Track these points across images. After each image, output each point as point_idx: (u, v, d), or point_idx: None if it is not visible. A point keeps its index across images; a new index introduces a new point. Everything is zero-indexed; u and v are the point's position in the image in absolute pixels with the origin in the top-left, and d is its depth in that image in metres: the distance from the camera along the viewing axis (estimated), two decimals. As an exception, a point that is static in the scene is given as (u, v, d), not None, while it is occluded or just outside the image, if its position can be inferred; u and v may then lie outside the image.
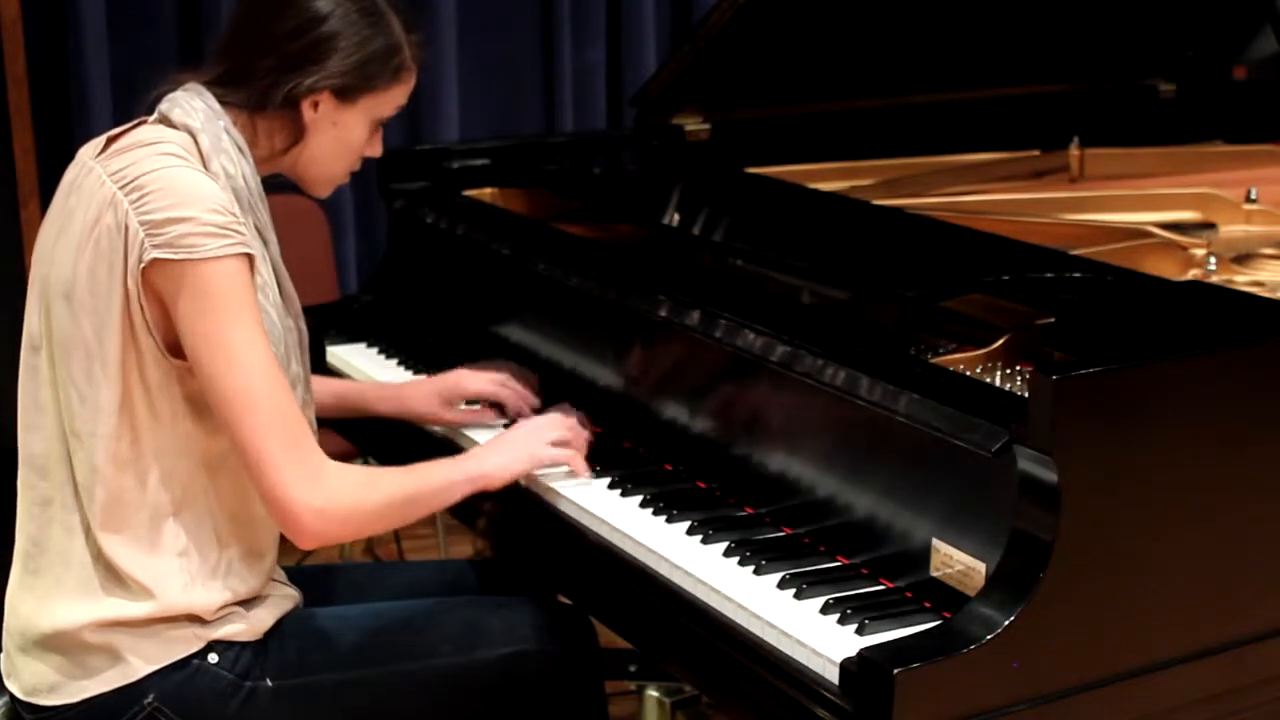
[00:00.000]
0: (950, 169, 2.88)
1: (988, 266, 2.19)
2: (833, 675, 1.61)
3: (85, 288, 1.82)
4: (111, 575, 1.85)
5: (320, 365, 2.67)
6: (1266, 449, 1.75)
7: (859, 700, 1.57)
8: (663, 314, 2.15)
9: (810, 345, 1.94)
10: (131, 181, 1.80)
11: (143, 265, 1.78)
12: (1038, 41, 3.08)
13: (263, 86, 1.91)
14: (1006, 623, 1.57)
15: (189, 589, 1.86)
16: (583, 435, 2.10)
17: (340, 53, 1.92)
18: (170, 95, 1.92)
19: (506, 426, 2.25)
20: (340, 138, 1.97)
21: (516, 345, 2.51)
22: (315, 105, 1.93)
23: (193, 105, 1.89)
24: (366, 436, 2.56)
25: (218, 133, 1.88)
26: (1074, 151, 2.98)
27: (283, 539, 1.93)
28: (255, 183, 1.93)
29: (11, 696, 1.92)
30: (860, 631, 1.67)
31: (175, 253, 1.77)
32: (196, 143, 1.86)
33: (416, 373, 2.55)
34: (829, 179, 2.79)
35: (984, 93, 3.11)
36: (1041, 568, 1.59)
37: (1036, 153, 3.00)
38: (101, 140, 1.91)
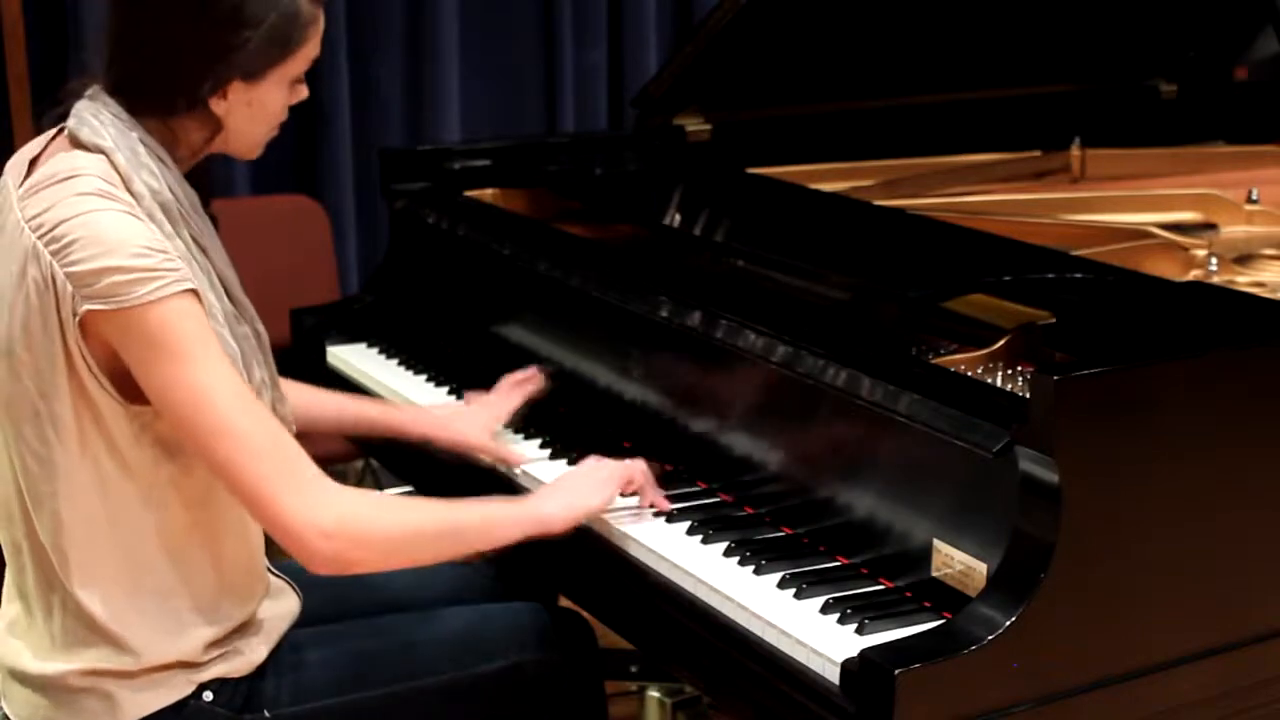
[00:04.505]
0: (951, 169, 2.88)
1: (989, 267, 2.19)
2: (833, 675, 1.61)
3: (22, 344, 1.74)
4: (95, 630, 1.80)
5: (320, 365, 2.67)
6: (1267, 450, 1.75)
7: (860, 700, 1.57)
8: (664, 314, 2.15)
9: (811, 346, 1.93)
10: (50, 232, 1.70)
11: (78, 318, 1.69)
12: (1039, 42, 3.08)
13: (166, 92, 1.78)
14: (1007, 623, 1.57)
15: (176, 635, 1.81)
16: (645, 474, 2.01)
17: (241, 38, 1.75)
18: (75, 110, 1.79)
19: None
20: (257, 113, 1.83)
21: (517, 345, 2.51)
22: (225, 95, 1.78)
23: (100, 120, 1.77)
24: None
25: (133, 146, 1.76)
26: (1075, 152, 2.98)
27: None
28: (183, 191, 1.80)
29: (6, 717, 1.91)
30: (860, 631, 1.67)
31: (108, 303, 1.67)
32: (113, 163, 1.74)
33: (417, 374, 2.55)
34: (830, 179, 2.79)
35: (985, 93, 3.10)
36: (1042, 568, 1.59)
37: (1038, 153, 2.99)
38: (25, 162, 1.81)
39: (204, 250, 1.81)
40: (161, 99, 1.79)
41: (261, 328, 1.89)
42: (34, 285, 1.71)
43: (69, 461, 1.76)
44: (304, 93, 1.88)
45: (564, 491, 1.95)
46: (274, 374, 1.91)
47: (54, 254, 1.70)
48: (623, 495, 1.99)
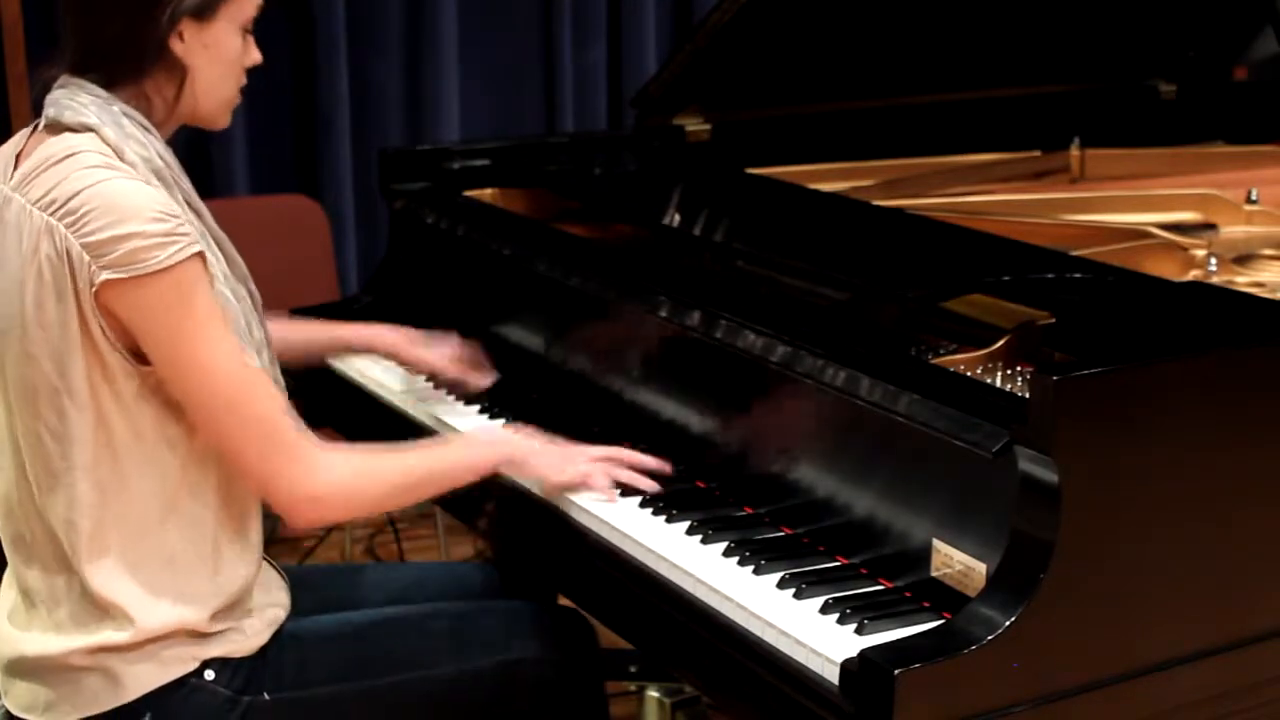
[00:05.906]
0: (951, 170, 2.88)
1: (988, 267, 2.19)
2: (832, 675, 1.61)
3: (36, 323, 1.76)
4: (102, 605, 1.82)
5: (320, 364, 2.66)
6: (1267, 450, 1.75)
7: (859, 701, 1.57)
8: (663, 314, 2.15)
9: (811, 346, 1.93)
10: (62, 206, 1.73)
11: (94, 288, 1.72)
12: (1038, 42, 3.08)
13: (128, 51, 1.82)
14: (1007, 623, 1.57)
15: (178, 600, 1.83)
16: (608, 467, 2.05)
17: None
18: (50, 100, 1.83)
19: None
20: (217, 57, 1.87)
21: (516, 345, 2.51)
22: (181, 36, 1.83)
23: (79, 101, 1.81)
24: (359, 428, 2.56)
25: (117, 119, 1.80)
26: (1075, 152, 2.98)
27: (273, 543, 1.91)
28: (170, 155, 1.85)
29: (8, 711, 1.91)
30: (860, 631, 1.67)
31: (127, 270, 1.71)
32: (102, 138, 1.78)
33: (417, 373, 2.54)
34: (830, 179, 2.79)
35: (985, 93, 3.11)
36: (1042, 568, 1.59)
37: (1037, 153, 2.99)
38: (9, 159, 1.84)
39: (198, 213, 1.86)
40: (129, 58, 1.83)
41: (254, 288, 1.95)
42: (47, 261, 1.75)
43: (84, 431, 1.79)
44: (257, 56, 1.93)
45: (539, 447, 2.05)
46: (269, 334, 1.96)
47: (69, 226, 1.73)
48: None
